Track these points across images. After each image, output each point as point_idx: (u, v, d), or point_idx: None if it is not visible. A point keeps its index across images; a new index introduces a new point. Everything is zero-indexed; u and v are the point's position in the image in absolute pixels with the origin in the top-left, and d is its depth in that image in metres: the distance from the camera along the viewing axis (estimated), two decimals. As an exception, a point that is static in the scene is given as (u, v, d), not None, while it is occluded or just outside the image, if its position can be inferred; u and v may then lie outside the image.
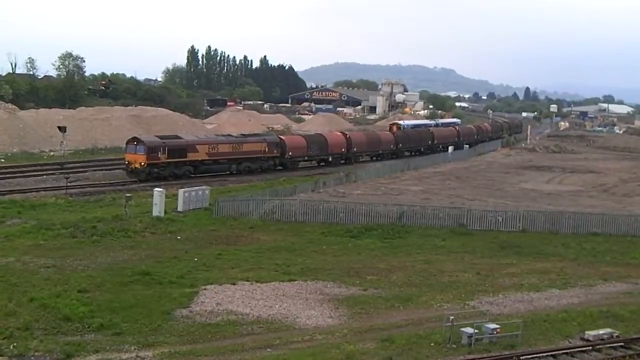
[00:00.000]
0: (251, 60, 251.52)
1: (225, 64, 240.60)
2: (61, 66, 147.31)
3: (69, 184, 55.85)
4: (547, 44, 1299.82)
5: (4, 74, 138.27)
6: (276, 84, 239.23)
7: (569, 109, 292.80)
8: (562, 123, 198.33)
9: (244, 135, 77.15)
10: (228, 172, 69.59)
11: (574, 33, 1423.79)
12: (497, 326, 25.53)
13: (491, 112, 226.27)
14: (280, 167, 76.02)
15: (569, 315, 28.53)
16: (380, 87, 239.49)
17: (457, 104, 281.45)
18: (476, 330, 25.05)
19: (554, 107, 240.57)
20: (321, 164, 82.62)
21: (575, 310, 29.37)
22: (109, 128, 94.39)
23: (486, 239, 43.88)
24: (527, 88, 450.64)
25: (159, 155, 63.14)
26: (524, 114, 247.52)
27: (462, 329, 25.08)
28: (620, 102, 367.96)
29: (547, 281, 34.38)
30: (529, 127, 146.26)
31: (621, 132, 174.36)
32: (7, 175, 60.68)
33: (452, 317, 25.13)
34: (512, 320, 26.75)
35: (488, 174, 76.31)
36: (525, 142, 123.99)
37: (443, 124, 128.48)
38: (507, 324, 26.14)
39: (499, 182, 70.00)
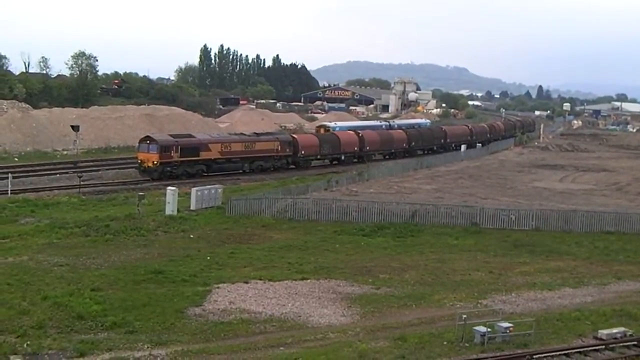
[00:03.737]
0: (264, 59, 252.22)
1: (238, 63, 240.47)
2: (74, 65, 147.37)
3: (82, 183, 56.11)
4: (560, 42, 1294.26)
5: (17, 73, 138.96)
6: (289, 83, 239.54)
7: (582, 107, 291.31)
8: (575, 121, 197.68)
9: (256, 134, 77.17)
10: (241, 171, 69.66)
11: (587, 31, 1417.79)
12: (510, 325, 25.51)
13: (504, 110, 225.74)
14: (293, 166, 76.06)
15: (582, 314, 28.46)
16: (392, 85, 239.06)
17: (470, 102, 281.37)
18: (489, 329, 25.02)
19: (567, 106, 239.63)
20: (334, 162, 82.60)
21: (588, 309, 29.31)
22: (121, 127, 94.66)
23: (499, 237, 43.75)
24: (540, 86, 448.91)
25: (172, 154, 63.29)
26: (537, 113, 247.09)
27: (475, 328, 25.07)
28: (634, 101, 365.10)
29: (560, 280, 34.29)
30: (542, 125, 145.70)
31: (634, 130, 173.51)
32: (21, 174, 60.98)
33: (464, 316, 25.12)
34: (525, 319, 26.71)
35: (501, 173, 76.09)
36: (538, 140, 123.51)
37: (400, 126, 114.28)
38: (520, 323, 26.11)
39: (511, 180, 69.79)
